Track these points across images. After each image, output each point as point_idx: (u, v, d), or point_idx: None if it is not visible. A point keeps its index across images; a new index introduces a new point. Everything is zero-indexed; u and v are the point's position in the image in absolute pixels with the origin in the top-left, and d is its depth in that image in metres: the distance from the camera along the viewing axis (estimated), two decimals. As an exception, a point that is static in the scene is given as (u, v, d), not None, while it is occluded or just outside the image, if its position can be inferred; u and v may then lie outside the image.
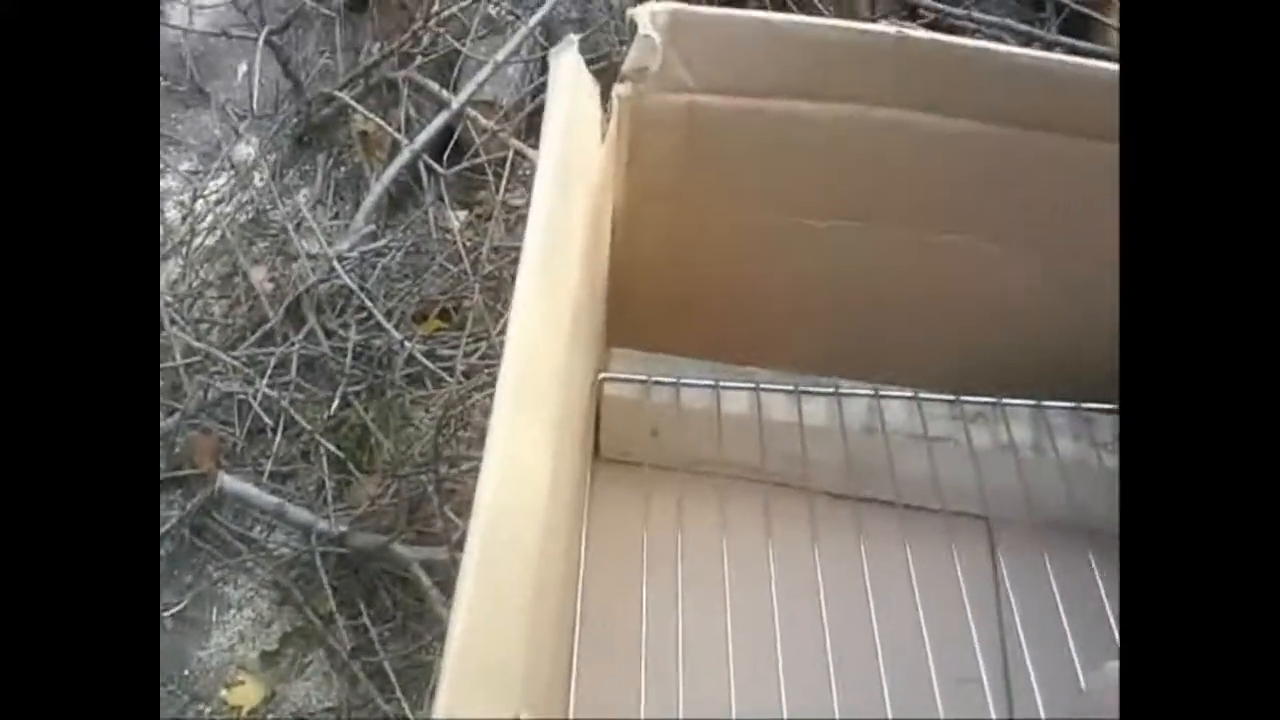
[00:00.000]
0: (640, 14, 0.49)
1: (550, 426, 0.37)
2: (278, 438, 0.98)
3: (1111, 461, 0.54)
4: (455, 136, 1.16)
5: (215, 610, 0.93)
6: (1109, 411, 0.55)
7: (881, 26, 0.51)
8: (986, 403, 0.55)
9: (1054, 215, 0.53)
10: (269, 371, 0.98)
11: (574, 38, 0.49)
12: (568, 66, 0.48)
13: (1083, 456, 0.54)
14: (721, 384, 0.54)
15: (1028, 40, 1.07)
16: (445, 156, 1.13)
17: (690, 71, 0.50)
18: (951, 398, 0.55)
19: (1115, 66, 0.51)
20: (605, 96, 0.49)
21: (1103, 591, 0.50)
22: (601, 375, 0.55)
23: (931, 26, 1.11)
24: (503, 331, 0.98)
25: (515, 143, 1.09)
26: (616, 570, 0.50)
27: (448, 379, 0.96)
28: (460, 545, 0.31)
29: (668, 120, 0.51)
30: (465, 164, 1.11)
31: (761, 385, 0.55)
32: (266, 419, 0.97)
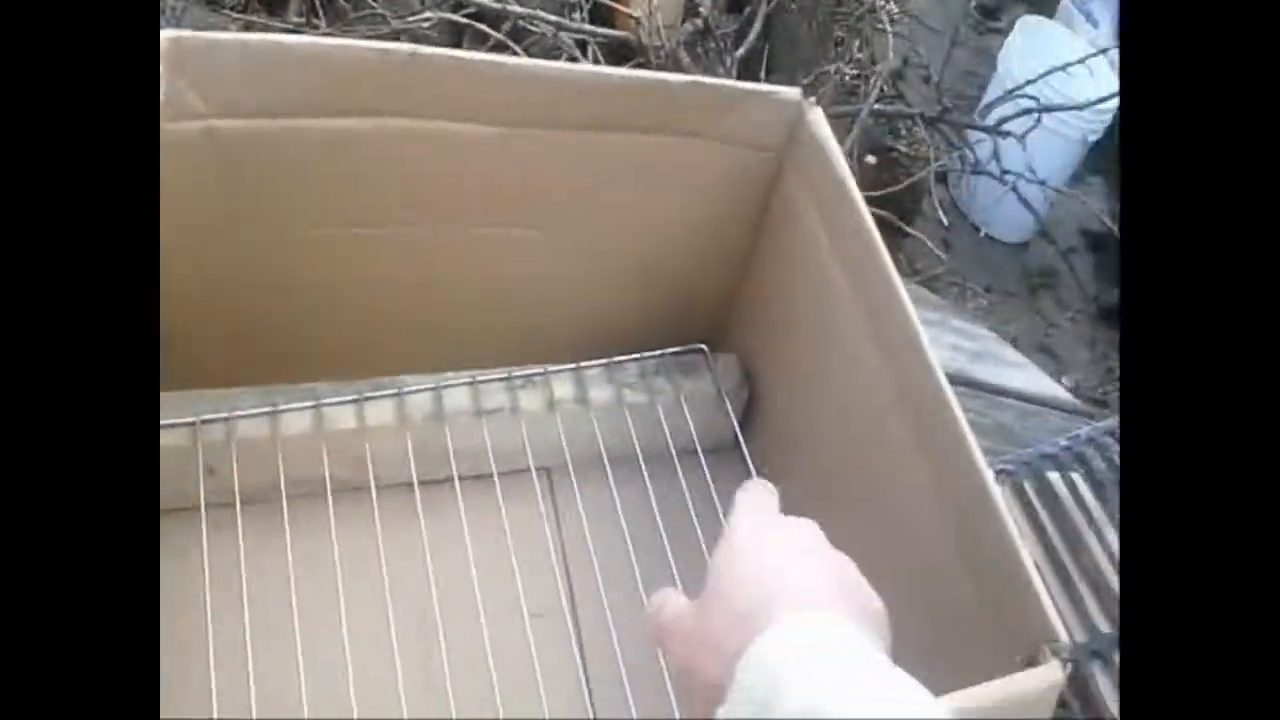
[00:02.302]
0: (138, 45, 0.49)
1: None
2: None
3: (634, 397, 0.63)
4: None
5: None
6: (634, 360, 0.65)
7: (397, 45, 0.55)
8: (535, 373, 0.63)
9: (570, 199, 0.61)
10: None
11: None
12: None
13: (613, 400, 0.63)
14: (279, 408, 0.56)
15: (558, 29, 1.17)
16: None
17: (201, 97, 0.51)
18: (505, 374, 0.62)
19: (595, 68, 0.59)
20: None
21: (656, 513, 0.60)
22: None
23: (475, 18, 1.18)
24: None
25: None
26: (184, 627, 0.50)
27: None
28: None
29: (186, 149, 0.51)
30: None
31: (322, 401, 0.57)
32: None
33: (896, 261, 0.53)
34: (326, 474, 0.56)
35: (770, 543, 0.37)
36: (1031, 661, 0.40)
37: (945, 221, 1.36)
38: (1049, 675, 0.39)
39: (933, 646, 0.45)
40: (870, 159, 1.47)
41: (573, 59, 1.16)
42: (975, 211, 2.00)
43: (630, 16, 1.17)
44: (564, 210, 0.61)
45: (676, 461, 0.61)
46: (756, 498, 0.42)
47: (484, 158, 0.58)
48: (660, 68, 1.17)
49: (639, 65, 1.16)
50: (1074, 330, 2.14)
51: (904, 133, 1.57)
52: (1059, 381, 2.04)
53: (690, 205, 0.63)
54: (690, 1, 1.24)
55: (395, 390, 0.59)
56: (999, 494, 0.46)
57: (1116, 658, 0.59)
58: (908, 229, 1.19)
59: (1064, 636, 0.40)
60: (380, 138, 0.55)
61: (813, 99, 0.59)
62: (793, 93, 0.58)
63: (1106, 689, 0.58)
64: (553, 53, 1.18)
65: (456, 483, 0.57)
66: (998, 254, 2.13)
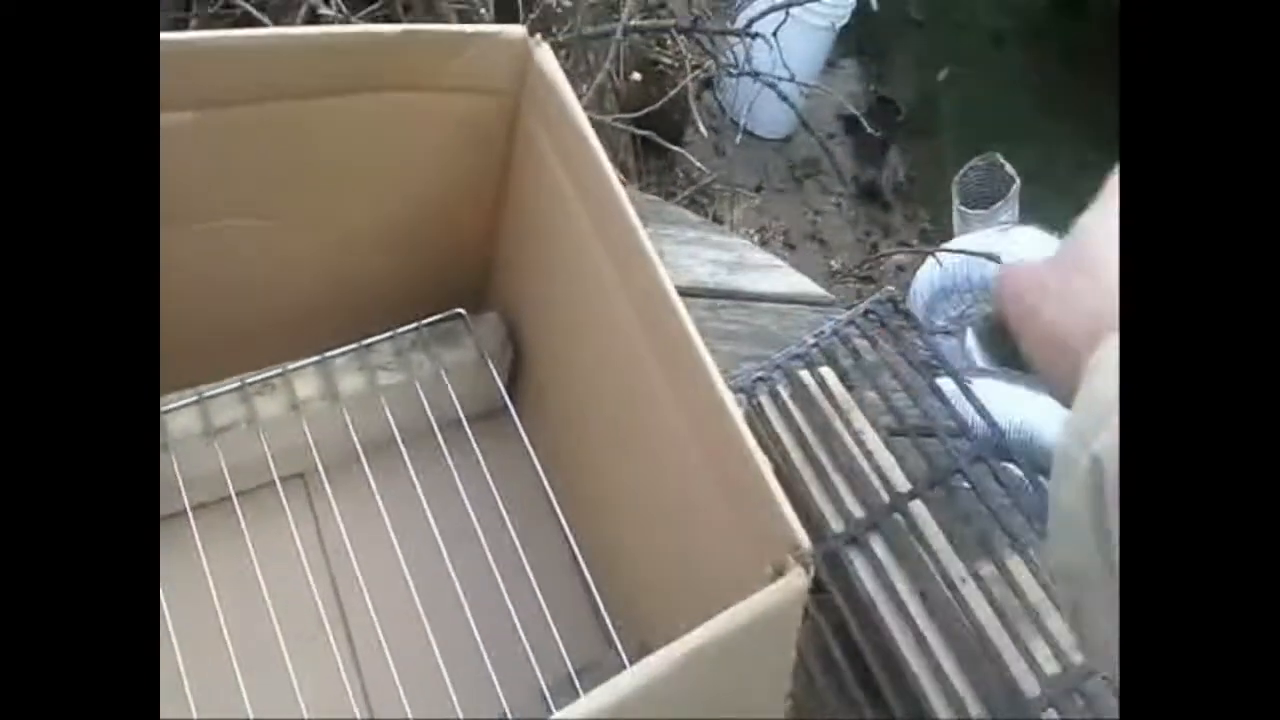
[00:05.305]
0: None
1: None
2: None
3: (389, 378, 0.58)
4: None
5: None
6: (387, 339, 0.60)
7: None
8: (274, 375, 0.56)
9: (291, 178, 0.54)
10: None
11: None
12: None
13: (365, 387, 0.57)
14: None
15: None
16: None
17: None
18: (238, 383, 0.55)
19: (294, 31, 0.52)
20: None
21: (424, 502, 0.55)
22: None
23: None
24: None
25: None
26: None
27: None
28: None
29: None
30: None
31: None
32: None
33: (671, 175, 0.50)
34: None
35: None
36: (779, 571, 0.40)
37: (704, 131, 1.35)
38: (794, 582, 0.39)
39: (699, 571, 0.48)
40: (636, 76, 1.44)
41: (312, 9, 1.04)
42: (739, 113, 2.03)
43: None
44: (287, 191, 0.55)
45: (441, 439, 0.57)
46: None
47: (182, 148, 0.50)
48: (408, 8, 1.07)
49: (385, 9, 1.06)
50: (839, 214, 2.24)
51: (669, 43, 1.54)
52: (829, 264, 2.14)
53: (427, 163, 0.57)
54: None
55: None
56: (746, 429, 0.44)
57: (871, 539, 0.62)
58: (672, 146, 1.17)
59: (805, 542, 0.40)
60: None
61: (538, 36, 0.54)
62: (517, 30, 0.54)
63: (863, 570, 0.61)
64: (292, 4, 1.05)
65: (189, 514, 0.50)
66: (765, 151, 2.18)
